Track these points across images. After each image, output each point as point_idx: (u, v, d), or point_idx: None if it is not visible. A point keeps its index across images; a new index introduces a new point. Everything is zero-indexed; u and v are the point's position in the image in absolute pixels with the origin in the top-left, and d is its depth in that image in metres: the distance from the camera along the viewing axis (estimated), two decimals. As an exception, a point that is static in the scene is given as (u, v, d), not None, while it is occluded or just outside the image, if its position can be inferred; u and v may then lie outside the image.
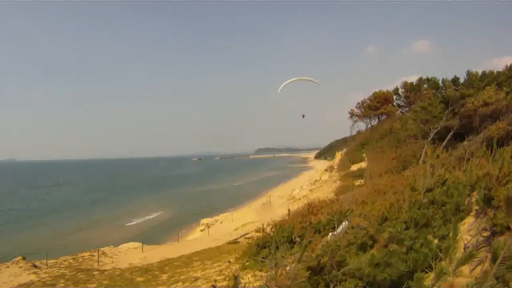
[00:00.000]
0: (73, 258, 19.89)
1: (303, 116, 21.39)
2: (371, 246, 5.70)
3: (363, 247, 5.73)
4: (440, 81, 41.73)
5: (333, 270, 4.37)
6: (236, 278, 3.26)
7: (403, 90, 51.97)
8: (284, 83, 14.84)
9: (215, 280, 10.52)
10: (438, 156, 15.20)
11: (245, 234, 23.87)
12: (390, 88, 70.79)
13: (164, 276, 13.56)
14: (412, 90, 47.99)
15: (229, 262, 13.33)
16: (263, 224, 21.90)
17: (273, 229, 15.08)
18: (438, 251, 4.25)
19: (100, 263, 18.93)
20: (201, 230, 32.48)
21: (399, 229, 5.44)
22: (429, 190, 7.16)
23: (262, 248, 11.95)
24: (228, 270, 11.88)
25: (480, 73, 23.98)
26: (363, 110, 61.86)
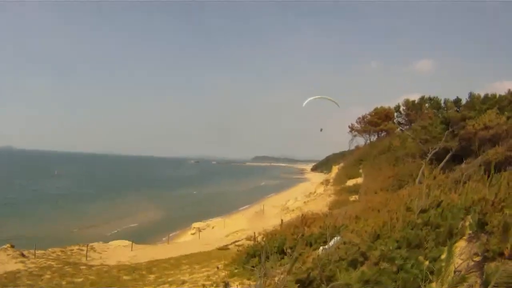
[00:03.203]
0: (62, 251, 19.70)
1: (321, 130, 21.91)
2: (362, 263, 5.65)
3: (353, 263, 5.68)
4: (442, 101, 41.90)
5: (322, 284, 4.33)
6: (226, 285, 3.22)
7: (404, 107, 52.06)
8: (309, 99, 16.05)
9: (203, 285, 10.38)
10: (435, 177, 15.19)
11: (236, 241, 23.66)
12: (391, 104, 71.20)
13: (151, 277, 13.39)
14: (413, 108, 48.09)
15: (218, 268, 13.19)
16: (254, 233, 21.76)
17: (264, 239, 14.96)
18: (428, 273, 4.20)
19: (88, 258, 18.74)
20: (192, 234, 32.28)
21: (390, 247, 5.41)
22: (423, 211, 7.14)
23: (252, 257, 11.82)
24: (216, 276, 11.73)
25: (482, 95, 24.17)
26: (363, 125, 61.89)
